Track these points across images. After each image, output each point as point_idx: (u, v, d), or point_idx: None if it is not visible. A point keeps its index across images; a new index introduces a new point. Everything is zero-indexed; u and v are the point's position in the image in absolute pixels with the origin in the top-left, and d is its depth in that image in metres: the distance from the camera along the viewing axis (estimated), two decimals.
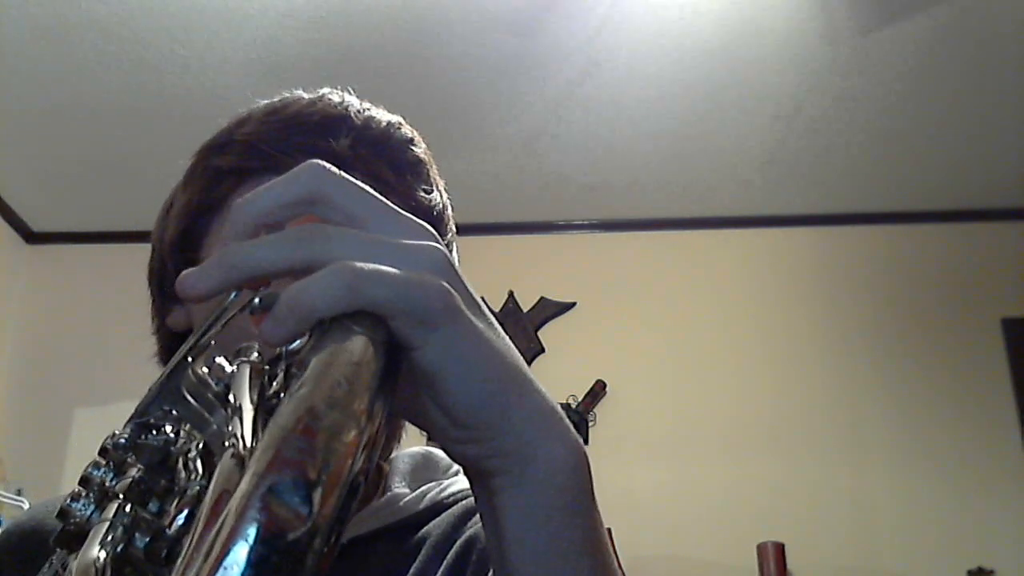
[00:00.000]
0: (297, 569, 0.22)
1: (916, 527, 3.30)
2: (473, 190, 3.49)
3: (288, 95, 0.68)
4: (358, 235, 0.34)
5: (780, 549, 3.11)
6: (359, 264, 0.31)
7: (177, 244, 0.65)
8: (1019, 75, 2.92)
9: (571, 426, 0.38)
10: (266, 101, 0.69)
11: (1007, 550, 3.23)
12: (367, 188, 0.36)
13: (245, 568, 0.21)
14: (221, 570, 0.21)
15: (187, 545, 0.25)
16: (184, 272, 0.33)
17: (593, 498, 0.39)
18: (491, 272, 3.58)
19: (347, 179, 0.36)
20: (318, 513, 0.23)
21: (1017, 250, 3.62)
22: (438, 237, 0.36)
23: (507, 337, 0.37)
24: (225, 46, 2.75)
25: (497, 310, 3.53)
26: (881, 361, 3.51)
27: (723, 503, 3.35)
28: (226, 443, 0.30)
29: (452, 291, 0.33)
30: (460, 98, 3.01)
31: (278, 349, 0.32)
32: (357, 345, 0.29)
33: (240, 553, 0.21)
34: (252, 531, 0.22)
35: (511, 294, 3.62)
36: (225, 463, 0.29)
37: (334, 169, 0.36)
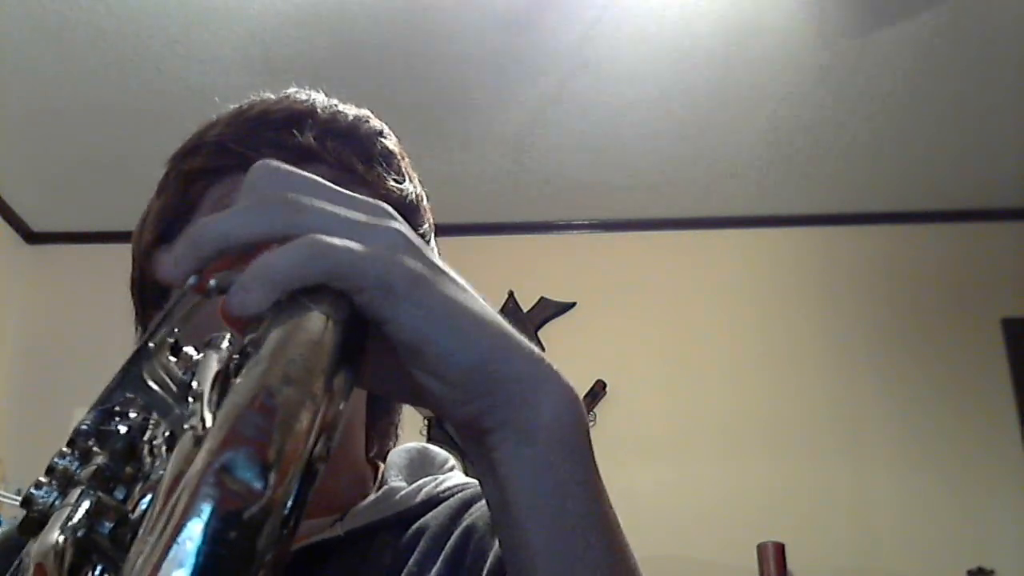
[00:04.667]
0: (251, 546, 0.22)
1: (916, 527, 3.30)
2: (472, 190, 3.49)
3: (255, 97, 0.69)
4: (324, 207, 0.34)
5: (780, 549, 3.11)
6: (328, 238, 0.32)
7: (154, 250, 0.65)
8: (1019, 75, 2.92)
9: (561, 373, 0.38)
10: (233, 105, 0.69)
11: (1007, 550, 3.23)
12: (319, 179, 0.36)
13: (200, 543, 0.21)
14: (175, 545, 0.21)
15: (145, 523, 0.25)
16: (158, 257, 0.34)
17: (589, 441, 0.39)
18: (491, 272, 3.57)
19: (295, 171, 0.36)
20: (273, 490, 0.23)
21: (1017, 250, 3.62)
22: (396, 215, 0.37)
23: (482, 298, 0.38)
24: (225, 46, 2.75)
25: (497, 311, 3.52)
26: (881, 361, 3.51)
27: (723, 503, 3.35)
28: (186, 426, 0.30)
29: (414, 263, 0.34)
30: (458, 97, 3.01)
31: (246, 340, 0.32)
32: (314, 322, 0.30)
33: (195, 528, 0.21)
34: (206, 507, 0.22)
35: (511, 294, 3.62)
36: (184, 445, 0.29)
37: (282, 164, 0.36)
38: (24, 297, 3.70)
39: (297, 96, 0.68)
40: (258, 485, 0.23)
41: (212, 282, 0.33)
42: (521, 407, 0.36)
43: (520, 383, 0.36)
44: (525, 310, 3.62)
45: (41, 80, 2.88)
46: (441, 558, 0.61)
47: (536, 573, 0.37)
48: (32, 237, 3.76)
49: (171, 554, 0.21)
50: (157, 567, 0.21)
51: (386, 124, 0.71)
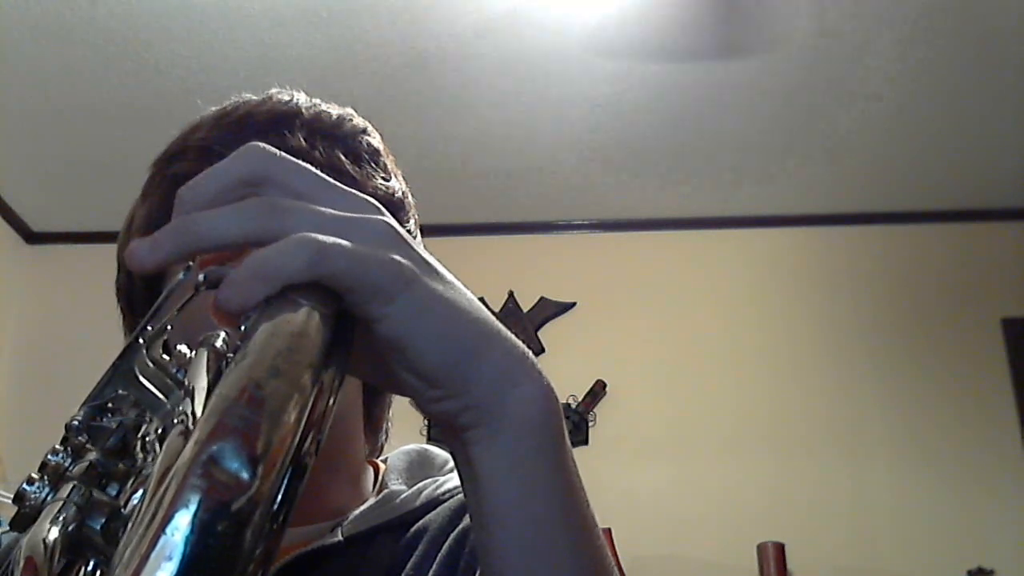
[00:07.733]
0: (240, 538, 0.22)
1: (916, 527, 3.30)
2: (472, 189, 3.49)
3: (238, 98, 0.69)
4: (310, 208, 0.34)
5: (780, 549, 3.11)
6: (322, 237, 0.32)
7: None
8: (1019, 75, 2.92)
9: (540, 369, 0.39)
10: (215, 107, 0.69)
11: (1007, 550, 3.23)
12: (308, 166, 0.36)
13: (188, 534, 0.21)
14: (164, 536, 0.21)
15: (135, 515, 0.25)
16: (134, 242, 0.33)
17: (564, 438, 0.39)
18: (491, 272, 3.58)
19: (288, 158, 0.36)
20: (261, 481, 0.23)
21: (1017, 250, 3.61)
22: (382, 208, 0.37)
23: (469, 293, 0.38)
24: (225, 46, 2.75)
25: (497, 310, 3.53)
26: (881, 361, 3.51)
27: (723, 503, 3.35)
28: (176, 421, 0.30)
29: (403, 261, 0.34)
30: (457, 97, 3.01)
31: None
32: (302, 317, 0.30)
33: (183, 519, 0.21)
34: (194, 498, 0.22)
35: (511, 294, 3.62)
36: (173, 440, 0.29)
37: (274, 150, 0.36)
38: (24, 297, 3.70)
39: (280, 96, 0.68)
40: (246, 476, 0.22)
41: (201, 276, 0.33)
42: (493, 405, 0.37)
43: (494, 381, 0.37)
44: (525, 310, 3.61)
45: (41, 80, 2.88)
46: (437, 560, 0.61)
47: (499, 574, 0.37)
48: (32, 237, 3.76)
49: (159, 545, 0.21)
50: (145, 558, 0.21)
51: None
